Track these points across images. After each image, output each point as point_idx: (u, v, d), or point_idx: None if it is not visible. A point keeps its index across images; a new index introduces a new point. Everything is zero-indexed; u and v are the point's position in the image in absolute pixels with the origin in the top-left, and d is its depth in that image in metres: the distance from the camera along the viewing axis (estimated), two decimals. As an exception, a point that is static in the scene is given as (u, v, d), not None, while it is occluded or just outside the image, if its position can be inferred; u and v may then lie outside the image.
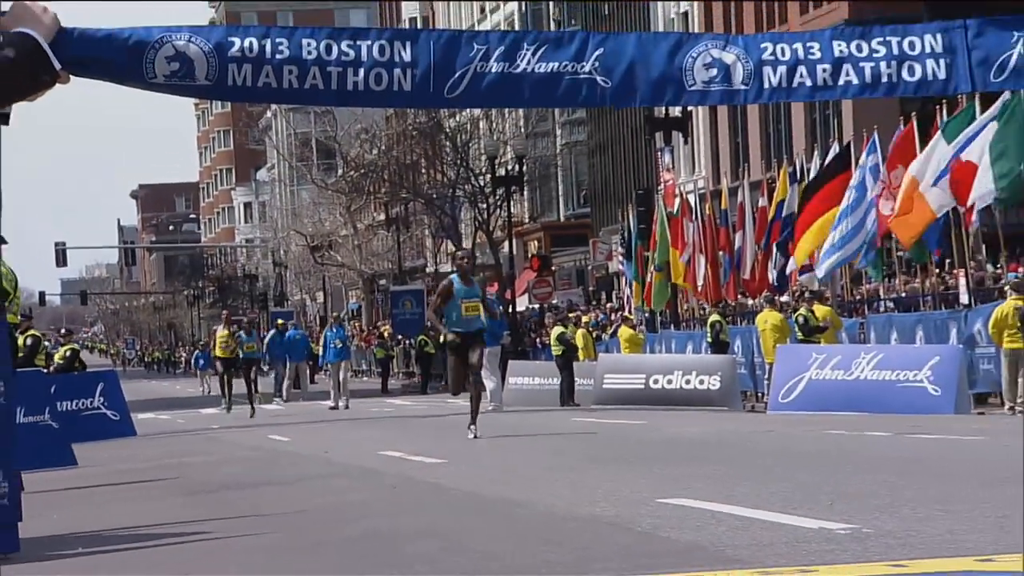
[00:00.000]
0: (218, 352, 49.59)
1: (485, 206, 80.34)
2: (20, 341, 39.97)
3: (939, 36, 7.68)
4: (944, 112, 34.39)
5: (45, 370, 40.41)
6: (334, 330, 57.45)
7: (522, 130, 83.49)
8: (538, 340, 59.16)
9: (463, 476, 18.41)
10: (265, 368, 63.87)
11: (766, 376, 37.18)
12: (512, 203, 78.85)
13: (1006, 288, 30.65)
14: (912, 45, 7.55)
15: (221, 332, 50.17)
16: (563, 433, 27.39)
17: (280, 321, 65.76)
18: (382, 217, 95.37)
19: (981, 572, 7.67)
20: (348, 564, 10.61)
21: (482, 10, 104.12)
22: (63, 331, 55.75)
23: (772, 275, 43.03)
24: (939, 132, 33.31)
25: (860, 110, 49.21)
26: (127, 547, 12.74)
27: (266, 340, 60.22)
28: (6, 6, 6.14)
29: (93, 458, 26.04)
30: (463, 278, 25.18)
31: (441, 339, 29.44)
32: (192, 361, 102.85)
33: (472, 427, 24.69)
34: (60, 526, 14.18)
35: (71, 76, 6.51)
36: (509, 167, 76.63)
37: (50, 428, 25.99)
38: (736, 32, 69.45)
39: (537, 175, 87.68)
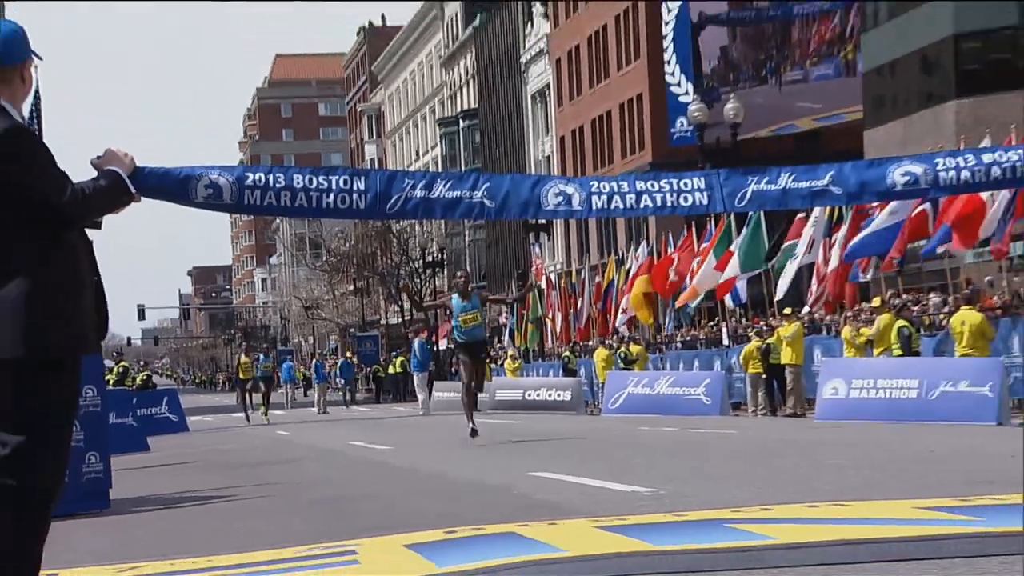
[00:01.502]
0: (241, 375, 48.73)
1: (419, 280, 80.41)
2: (115, 370, 39.82)
3: (702, 178, 7.80)
4: (713, 222, 34.87)
5: (130, 388, 40.26)
6: (320, 363, 57.76)
7: (443, 230, 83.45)
8: (453, 368, 58.96)
9: (403, 457, 18.38)
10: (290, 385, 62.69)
11: (600, 391, 37.29)
12: (436, 279, 79.18)
13: (751, 334, 30.93)
14: (685, 184, 7.67)
15: (243, 359, 49.49)
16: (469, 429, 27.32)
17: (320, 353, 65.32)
18: (351, 288, 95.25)
19: (735, 519, 7.68)
20: (320, 514, 10.57)
21: (416, 153, 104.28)
22: (141, 363, 56.01)
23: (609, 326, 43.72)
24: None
25: (661, 220, 49.50)
26: (182, 504, 12.68)
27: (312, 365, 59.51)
28: (102, 151, 6.23)
29: (160, 446, 25.82)
30: (461, 294, 20.06)
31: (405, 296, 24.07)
32: (229, 381, 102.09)
33: (471, 425, 19.74)
34: (138, 490, 14.04)
35: (143, 197, 6.52)
36: (435, 255, 76.88)
37: (132, 426, 25.86)
38: (579, 170, 70.28)
39: (453, 260, 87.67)
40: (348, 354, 60.96)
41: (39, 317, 5.58)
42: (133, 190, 6.19)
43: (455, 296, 20.20)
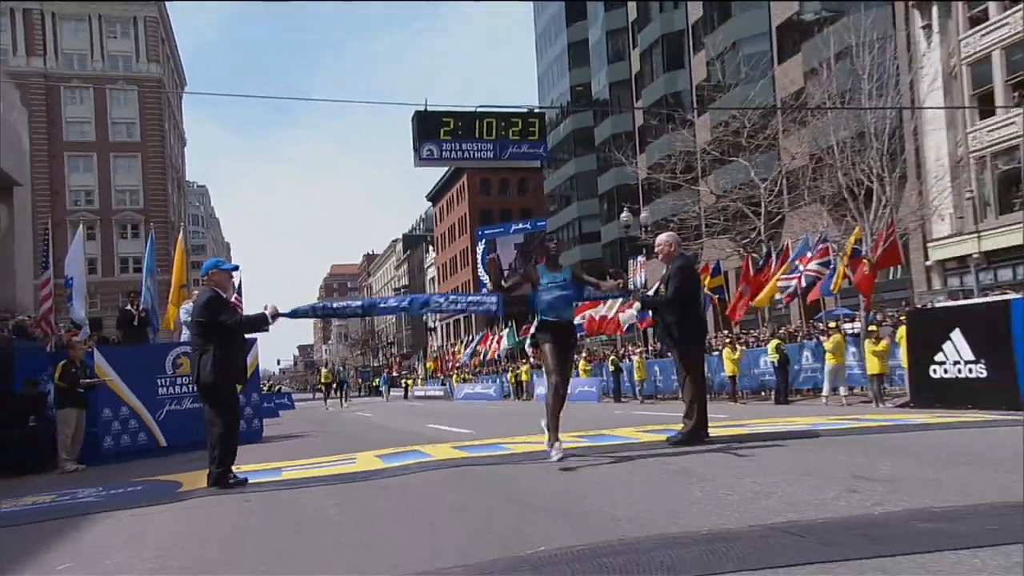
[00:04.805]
0: (323, 380, 40.53)
1: (384, 349, 77.41)
2: (267, 386, 36.85)
3: (495, 297, 5.68)
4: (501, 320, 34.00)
5: (272, 392, 37.52)
6: (347, 380, 53.81)
7: (395, 326, 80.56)
8: (402, 382, 56.41)
9: (379, 419, 17.33)
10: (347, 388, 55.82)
11: (453, 391, 35.98)
12: (393, 347, 76.28)
13: (509, 369, 30.30)
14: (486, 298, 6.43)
15: (324, 371, 44.66)
16: (407, 407, 26.24)
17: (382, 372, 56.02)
18: (360, 352, 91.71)
19: (503, 443, 7.36)
20: (342, 442, 9.69)
21: (396, 291, 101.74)
22: (277, 383, 52.27)
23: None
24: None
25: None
26: (290, 439, 11.67)
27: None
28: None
29: (284, 415, 23.99)
30: (549, 264, 5.34)
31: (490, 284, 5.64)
32: (313, 388, 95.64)
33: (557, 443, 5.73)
34: (273, 432, 12.92)
35: (284, 319, 5.74)
36: (390, 339, 74.40)
37: (272, 407, 24.02)
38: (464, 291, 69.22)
39: (397, 339, 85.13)
40: (386, 373, 51.30)
41: (220, 367, 5.28)
42: (270, 322, 5.61)
43: (541, 267, 5.49)
